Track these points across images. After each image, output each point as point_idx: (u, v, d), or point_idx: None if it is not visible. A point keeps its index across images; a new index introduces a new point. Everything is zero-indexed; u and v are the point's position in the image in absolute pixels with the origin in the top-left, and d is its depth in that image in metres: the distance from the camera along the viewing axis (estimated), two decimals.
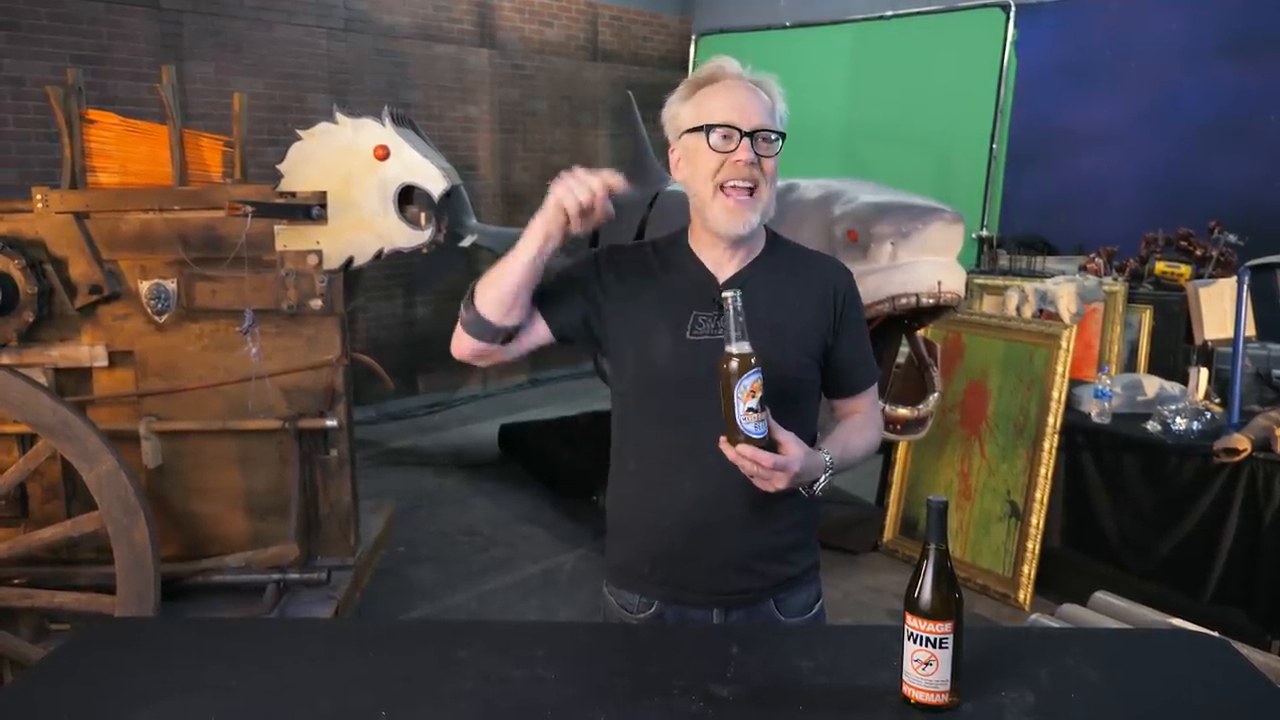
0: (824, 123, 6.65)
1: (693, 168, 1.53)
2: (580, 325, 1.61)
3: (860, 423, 1.66)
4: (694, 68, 7.73)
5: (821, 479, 1.49)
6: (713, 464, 1.44)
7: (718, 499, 1.53)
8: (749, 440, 1.38)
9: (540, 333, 1.60)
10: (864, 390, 1.67)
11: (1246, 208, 4.92)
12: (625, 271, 1.61)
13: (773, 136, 1.50)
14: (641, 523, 1.63)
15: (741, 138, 1.47)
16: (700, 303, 1.54)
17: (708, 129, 1.48)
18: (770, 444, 1.40)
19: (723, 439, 1.40)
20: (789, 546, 1.62)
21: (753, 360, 1.36)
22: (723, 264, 1.58)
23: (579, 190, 1.44)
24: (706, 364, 1.40)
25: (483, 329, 1.53)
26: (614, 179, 1.46)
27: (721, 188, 1.50)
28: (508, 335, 1.56)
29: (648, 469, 1.62)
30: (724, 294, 1.39)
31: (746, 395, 1.36)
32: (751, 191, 1.50)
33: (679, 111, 1.54)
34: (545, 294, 1.58)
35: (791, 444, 1.42)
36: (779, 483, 1.41)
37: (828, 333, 1.59)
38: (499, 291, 1.51)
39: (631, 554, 1.65)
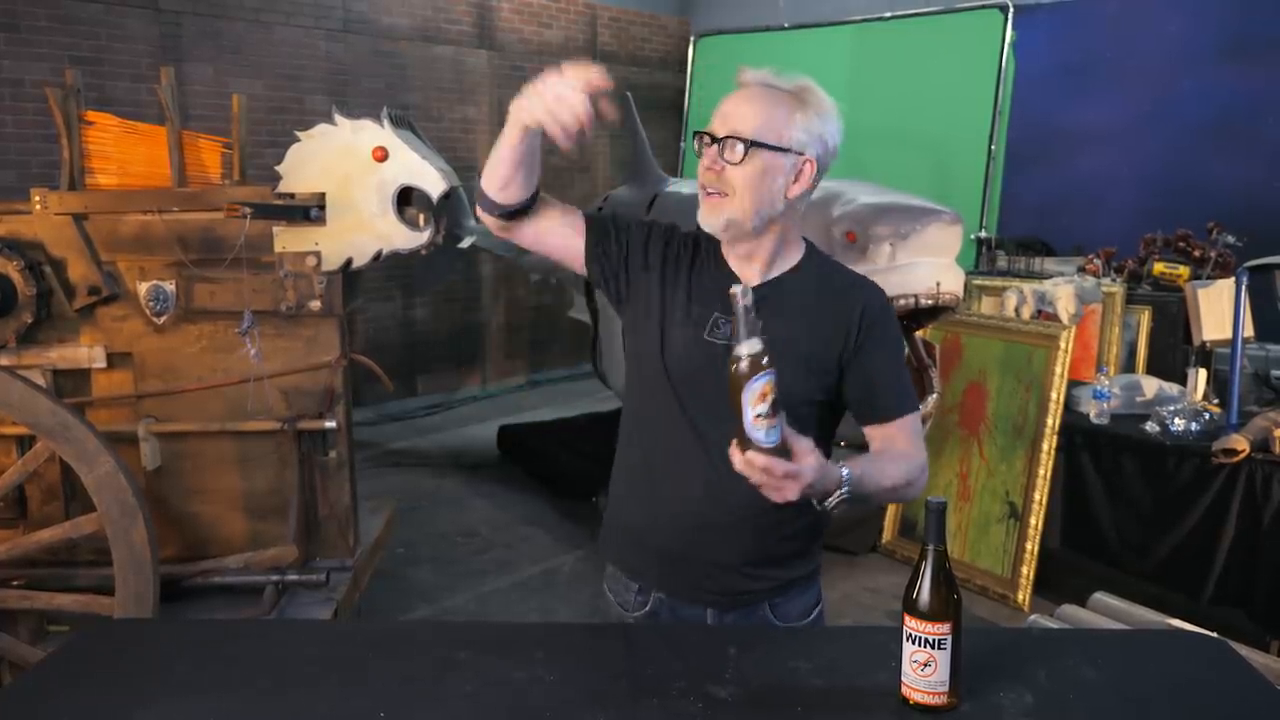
0: None
1: None
2: (610, 265, 1.61)
3: (896, 454, 1.54)
4: (693, 69, 7.74)
5: (834, 496, 1.39)
6: (718, 467, 1.41)
7: (722, 503, 1.53)
8: (759, 449, 1.26)
9: (574, 241, 1.61)
10: (896, 418, 1.56)
11: (1245, 209, 4.92)
12: (669, 255, 1.61)
13: (739, 146, 1.46)
14: (644, 514, 1.63)
15: (710, 144, 1.49)
16: (726, 305, 1.45)
17: (694, 133, 1.53)
18: (784, 451, 1.28)
19: (733, 444, 1.29)
20: (790, 554, 1.61)
21: (764, 361, 1.24)
22: (746, 271, 1.57)
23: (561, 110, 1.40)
24: (718, 368, 1.35)
25: (483, 202, 1.57)
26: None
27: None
28: (510, 213, 1.57)
29: (654, 462, 1.61)
30: (732, 289, 1.28)
31: (756, 399, 1.24)
32: (722, 196, 1.50)
33: None
34: (603, 220, 1.62)
35: (808, 453, 1.30)
36: (789, 493, 1.30)
37: (844, 353, 1.54)
38: (495, 167, 1.54)
39: (632, 541, 1.66)
